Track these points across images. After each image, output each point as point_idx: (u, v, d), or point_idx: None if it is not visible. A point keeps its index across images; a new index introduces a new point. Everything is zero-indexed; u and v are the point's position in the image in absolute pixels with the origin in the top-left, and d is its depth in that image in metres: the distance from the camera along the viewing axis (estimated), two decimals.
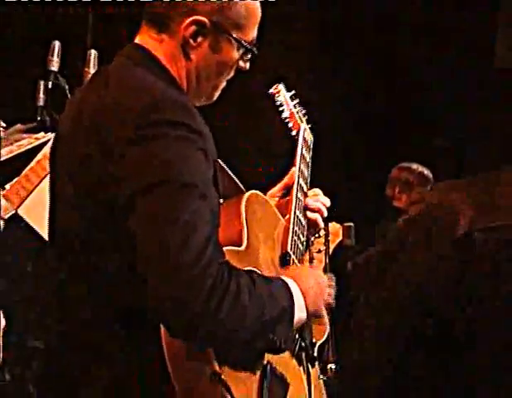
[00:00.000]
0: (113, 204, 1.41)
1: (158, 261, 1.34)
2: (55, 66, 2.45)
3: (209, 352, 1.40)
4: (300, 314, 1.50)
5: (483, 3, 4.79)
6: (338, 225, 2.12)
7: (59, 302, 1.56)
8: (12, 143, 2.27)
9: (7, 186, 2.31)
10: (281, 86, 1.99)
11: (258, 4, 1.61)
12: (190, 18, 1.53)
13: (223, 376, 1.39)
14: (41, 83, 2.50)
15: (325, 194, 1.86)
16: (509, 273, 1.72)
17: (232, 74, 1.61)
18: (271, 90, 2.00)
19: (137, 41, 1.59)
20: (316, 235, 1.85)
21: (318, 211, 1.81)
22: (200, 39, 1.54)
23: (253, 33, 1.60)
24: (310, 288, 1.55)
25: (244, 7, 1.57)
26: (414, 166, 4.19)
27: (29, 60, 3.00)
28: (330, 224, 1.96)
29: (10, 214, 2.41)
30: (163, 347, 1.40)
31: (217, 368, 1.40)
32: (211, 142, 1.48)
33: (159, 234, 1.34)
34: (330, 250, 1.92)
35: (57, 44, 2.50)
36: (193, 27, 1.54)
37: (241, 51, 1.58)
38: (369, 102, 4.71)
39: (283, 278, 1.52)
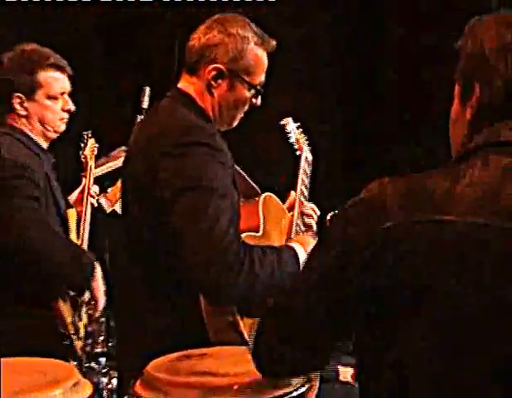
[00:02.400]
0: (158, 203, 1.90)
1: (193, 242, 1.82)
2: (145, 105, 3.09)
3: (227, 308, 1.91)
4: None
5: None
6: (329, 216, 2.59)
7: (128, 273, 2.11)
8: (115, 160, 2.86)
9: (109, 190, 2.91)
10: (289, 119, 2.57)
11: (264, 55, 2.08)
12: (212, 65, 2.04)
13: (239, 326, 1.90)
14: (138, 116, 3.09)
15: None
16: None
17: (246, 108, 2.10)
18: (282, 122, 2.58)
19: (178, 84, 2.11)
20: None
21: (311, 216, 2.35)
22: (219, 81, 2.04)
23: (260, 77, 2.08)
24: (310, 246, 2.01)
25: (253, 58, 2.05)
26: None
27: (128, 98, 3.51)
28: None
29: (110, 210, 3.05)
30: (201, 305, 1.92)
31: (232, 318, 1.90)
32: (229, 156, 1.98)
33: (193, 223, 1.83)
34: None
35: (147, 90, 3.13)
36: (214, 72, 2.04)
37: (252, 91, 2.08)
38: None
39: (291, 244, 2.03)
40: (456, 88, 1.36)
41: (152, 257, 1.99)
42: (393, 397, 1.27)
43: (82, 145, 3.08)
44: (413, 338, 1.22)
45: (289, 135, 2.57)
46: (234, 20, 2.08)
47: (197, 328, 1.93)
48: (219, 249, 1.79)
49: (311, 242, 2.04)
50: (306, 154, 2.51)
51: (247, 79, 2.05)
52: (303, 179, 2.41)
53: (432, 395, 1.23)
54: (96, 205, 3.02)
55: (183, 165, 1.87)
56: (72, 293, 2.60)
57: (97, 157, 3.11)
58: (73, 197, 2.94)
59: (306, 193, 2.40)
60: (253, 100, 2.10)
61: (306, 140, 2.57)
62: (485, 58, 1.29)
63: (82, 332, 2.69)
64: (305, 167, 2.46)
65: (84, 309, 2.69)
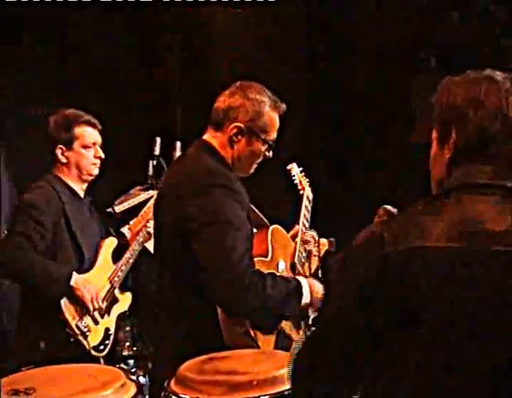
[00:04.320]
0: (185, 233, 2.25)
1: (215, 267, 2.18)
2: (157, 152, 3.59)
3: (243, 321, 2.27)
4: (305, 300, 2.38)
5: None
6: (325, 240, 2.87)
7: (159, 289, 2.45)
8: (134, 197, 3.33)
9: (131, 222, 3.40)
10: (294, 164, 2.96)
11: (277, 116, 2.44)
12: (234, 124, 2.40)
13: (252, 334, 2.26)
14: (150, 162, 3.61)
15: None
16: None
17: (261, 159, 2.47)
18: (288, 167, 2.98)
19: (204, 136, 2.47)
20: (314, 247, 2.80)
21: (311, 242, 2.72)
22: (239, 137, 2.41)
23: (273, 134, 2.45)
24: (313, 286, 2.41)
25: (268, 118, 2.42)
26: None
27: (141, 150, 3.84)
28: (321, 239, 2.80)
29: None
30: (219, 318, 2.28)
31: (245, 328, 2.26)
32: (245, 196, 2.34)
33: (215, 251, 2.19)
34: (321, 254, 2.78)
35: (158, 139, 3.63)
36: (235, 130, 2.40)
37: (266, 146, 2.44)
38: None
39: (298, 278, 2.41)
40: (434, 134, 1.61)
41: (181, 279, 2.34)
42: None
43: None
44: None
45: (293, 178, 2.98)
46: (252, 86, 2.44)
47: (216, 336, 2.29)
48: (236, 273, 2.15)
49: (315, 282, 2.42)
50: (307, 193, 2.91)
51: (262, 136, 2.41)
52: (305, 214, 2.81)
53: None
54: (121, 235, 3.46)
55: (206, 203, 2.23)
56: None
57: (118, 196, 3.57)
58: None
59: (307, 225, 2.79)
60: (267, 153, 2.47)
61: (308, 181, 2.99)
62: (458, 108, 1.53)
63: (92, 335, 3.18)
64: (306, 204, 2.87)
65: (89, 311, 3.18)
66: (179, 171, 2.42)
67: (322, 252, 2.75)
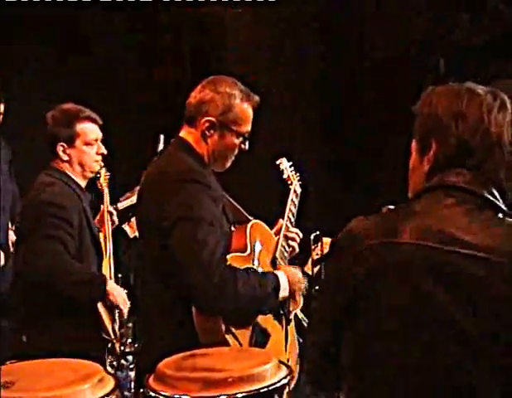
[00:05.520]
0: (162, 231, 2.26)
1: (186, 263, 2.19)
2: (160, 149, 3.43)
3: (216, 317, 2.26)
4: (283, 293, 2.37)
5: None
6: (329, 239, 2.92)
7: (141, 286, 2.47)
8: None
9: (132, 219, 3.42)
10: (283, 159, 2.96)
11: (250, 108, 2.43)
12: (205, 118, 2.40)
13: (223, 330, 2.25)
14: (154, 159, 3.54)
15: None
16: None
17: (236, 152, 2.46)
18: (277, 162, 2.96)
19: (180, 133, 2.48)
20: (314, 246, 2.76)
21: (294, 239, 2.70)
22: (212, 131, 2.41)
23: (247, 127, 2.44)
24: (293, 278, 2.41)
25: (240, 110, 2.41)
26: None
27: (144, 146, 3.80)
28: (324, 238, 2.79)
29: (133, 235, 3.59)
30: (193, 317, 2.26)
31: (220, 325, 2.25)
32: (219, 192, 2.35)
33: (187, 248, 2.20)
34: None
35: (162, 137, 3.51)
36: (207, 124, 2.40)
37: (240, 139, 2.43)
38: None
39: (276, 272, 2.41)
40: (414, 143, 1.63)
41: (158, 275, 2.35)
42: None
43: (98, 176, 3.50)
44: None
45: (283, 172, 2.97)
46: (222, 80, 2.45)
47: (194, 333, 2.28)
48: (206, 269, 2.16)
49: (295, 272, 2.44)
50: (295, 187, 2.89)
51: (234, 128, 2.41)
52: (291, 208, 2.79)
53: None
54: (117, 223, 3.43)
55: (179, 199, 2.25)
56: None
57: (123, 193, 3.54)
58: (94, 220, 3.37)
59: (292, 220, 2.77)
60: (242, 146, 2.46)
61: (298, 176, 2.96)
62: (439, 120, 1.57)
63: (118, 335, 3.15)
64: (293, 198, 2.85)
65: (116, 315, 3.13)
66: (155, 170, 2.44)
67: (325, 251, 2.72)
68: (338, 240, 1.65)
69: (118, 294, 3.06)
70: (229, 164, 2.50)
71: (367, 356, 1.56)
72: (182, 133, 2.47)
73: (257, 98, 2.47)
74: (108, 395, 1.98)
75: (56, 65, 4.73)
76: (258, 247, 2.52)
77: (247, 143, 2.47)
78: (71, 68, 4.72)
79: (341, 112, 5.14)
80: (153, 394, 2.00)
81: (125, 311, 3.10)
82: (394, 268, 1.52)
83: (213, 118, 2.40)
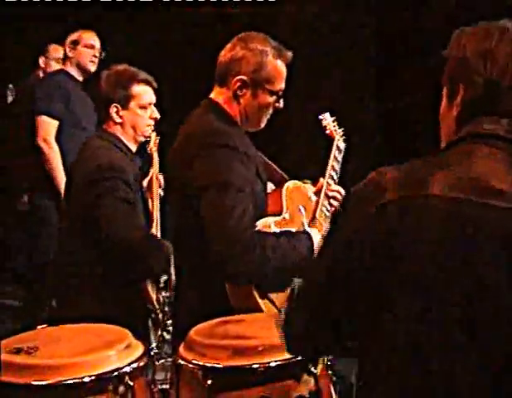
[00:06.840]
0: (189, 194, 2.19)
1: (215, 228, 2.11)
2: None
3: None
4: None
5: None
6: None
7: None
8: None
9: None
10: (327, 114, 2.79)
11: (283, 65, 2.32)
12: (237, 77, 2.30)
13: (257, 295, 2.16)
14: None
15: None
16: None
17: (271, 111, 2.35)
18: (320, 116, 2.80)
19: (211, 95, 2.38)
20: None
21: (336, 198, 2.55)
22: (244, 90, 2.30)
23: (280, 84, 2.33)
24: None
25: (272, 68, 2.30)
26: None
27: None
28: None
29: None
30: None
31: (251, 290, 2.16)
32: (252, 152, 2.25)
33: (214, 214, 2.12)
34: None
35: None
36: (239, 83, 2.30)
37: (274, 97, 2.32)
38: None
39: (308, 229, 2.30)
40: (444, 90, 1.51)
41: (187, 240, 2.28)
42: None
43: (148, 140, 3.39)
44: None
45: (326, 128, 2.79)
46: (254, 37, 2.33)
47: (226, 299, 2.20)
48: (233, 237, 2.07)
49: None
50: (338, 142, 2.72)
51: (268, 87, 2.30)
52: (333, 165, 2.63)
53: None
54: (163, 194, 3.33)
55: (207, 164, 2.17)
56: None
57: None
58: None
59: (335, 177, 2.61)
60: (276, 104, 2.35)
61: (342, 132, 2.79)
62: (467, 61, 1.44)
63: (164, 306, 3.02)
64: (335, 154, 2.68)
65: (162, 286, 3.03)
66: (182, 133, 2.34)
67: None
68: (356, 191, 1.48)
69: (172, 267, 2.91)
70: (263, 124, 2.39)
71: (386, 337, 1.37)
72: (212, 95, 2.38)
73: (289, 53, 2.35)
74: (135, 361, 1.93)
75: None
76: (294, 208, 2.38)
77: (281, 100, 2.36)
78: None
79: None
80: (182, 362, 1.94)
81: (173, 284, 2.96)
82: (421, 226, 1.36)
83: (245, 77, 2.29)
